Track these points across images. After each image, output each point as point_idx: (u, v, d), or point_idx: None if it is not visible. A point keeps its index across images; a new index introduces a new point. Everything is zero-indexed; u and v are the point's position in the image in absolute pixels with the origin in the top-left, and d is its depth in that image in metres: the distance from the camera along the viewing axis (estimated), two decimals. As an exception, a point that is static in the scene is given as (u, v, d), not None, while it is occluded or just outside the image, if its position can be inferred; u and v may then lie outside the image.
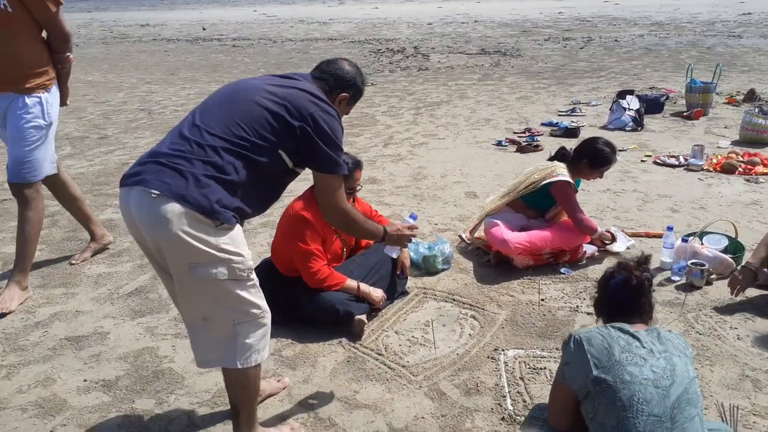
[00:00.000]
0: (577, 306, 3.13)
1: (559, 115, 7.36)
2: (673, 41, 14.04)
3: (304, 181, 2.96)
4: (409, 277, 3.36)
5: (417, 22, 21.73)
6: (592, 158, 3.55)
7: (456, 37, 16.55)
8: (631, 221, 4.18)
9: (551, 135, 6.48)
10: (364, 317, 2.95)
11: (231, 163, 1.90)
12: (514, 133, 6.64)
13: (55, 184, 3.75)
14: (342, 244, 3.12)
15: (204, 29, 21.61)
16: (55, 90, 3.48)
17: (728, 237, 3.60)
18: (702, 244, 3.50)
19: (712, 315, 3.02)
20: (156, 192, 1.83)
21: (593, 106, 7.82)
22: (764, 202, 4.46)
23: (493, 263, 3.59)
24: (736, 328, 2.89)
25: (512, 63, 11.83)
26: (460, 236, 3.91)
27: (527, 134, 6.51)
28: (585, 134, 6.20)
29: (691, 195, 4.66)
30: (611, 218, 4.24)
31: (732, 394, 2.43)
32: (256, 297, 2.02)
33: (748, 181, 4.92)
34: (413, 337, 2.91)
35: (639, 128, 6.60)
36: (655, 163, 5.47)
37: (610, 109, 6.95)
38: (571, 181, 3.52)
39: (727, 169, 5.13)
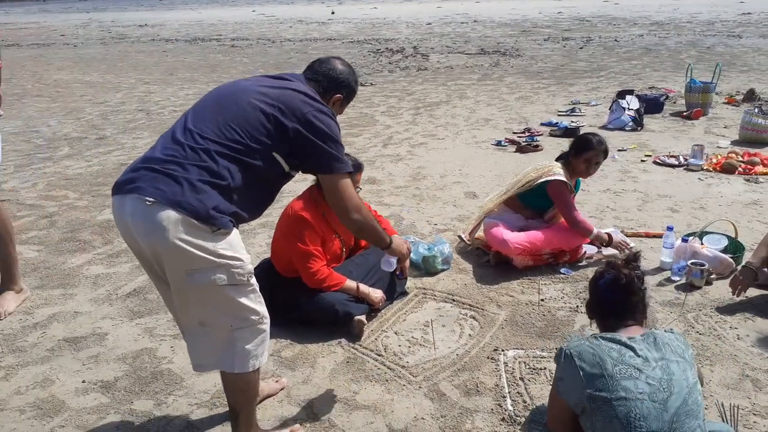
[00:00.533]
0: (577, 306, 3.12)
1: (559, 115, 7.36)
2: (672, 41, 14.04)
3: (303, 181, 2.95)
4: (408, 278, 3.35)
5: (416, 22, 21.73)
6: (575, 146, 3.55)
7: (455, 37, 16.55)
8: (631, 221, 4.18)
9: (551, 135, 6.48)
10: (363, 318, 2.94)
11: (226, 167, 1.87)
12: (514, 133, 6.63)
13: None
14: (341, 244, 3.11)
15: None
16: None
17: (728, 237, 3.59)
18: (702, 244, 3.49)
19: (712, 315, 3.01)
20: (151, 199, 1.80)
21: (593, 105, 7.82)
22: (764, 201, 4.45)
23: (492, 263, 3.58)
24: (736, 328, 2.88)
25: (512, 63, 11.82)
26: (459, 236, 3.90)
27: (527, 134, 6.50)
28: (584, 134, 6.19)
29: (691, 195, 4.66)
30: (611, 218, 4.23)
31: (732, 393, 2.42)
32: (256, 303, 1.99)
33: (747, 180, 4.92)
34: (413, 337, 2.91)
35: (639, 128, 6.60)
36: (655, 163, 5.47)
37: (609, 109, 6.95)
38: (567, 180, 3.50)
39: (727, 168, 5.13)
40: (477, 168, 5.50)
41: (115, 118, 8.34)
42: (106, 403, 2.51)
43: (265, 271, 3.00)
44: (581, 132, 6.37)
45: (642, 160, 5.55)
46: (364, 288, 2.98)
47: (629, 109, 6.68)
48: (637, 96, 7.05)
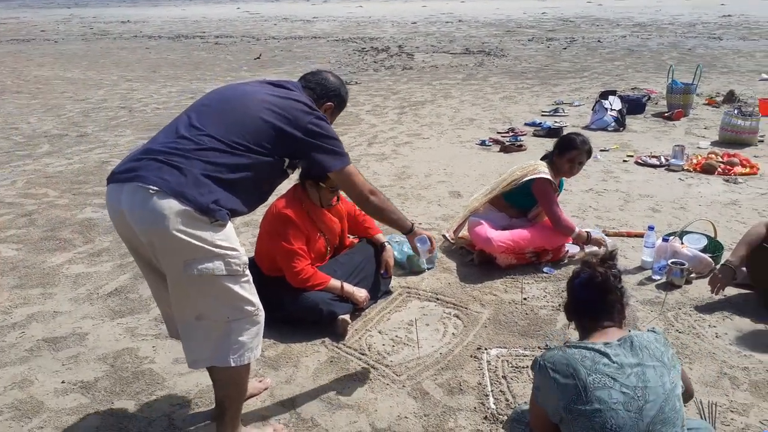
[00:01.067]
0: (559, 305, 3.15)
1: (543, 115, 7.41)
2: (654, 42, 14.20)
3: (288, 180, 2.95)
4: (392, 277, 3.35)
5: (401, 21, 21.75)
6: (559, 145, 3.59)
7: (440, 37, 16.59)
8: (612, 221, 4.22)
9: (534, 135, 6.52)
10: (347, 317, 2.94)
11: (228, 164, 1.94)
12: (498, 132, 6.67)
13: None
14: (326, 243, 3.10)
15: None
16: None
17: (707, 236, 3.64)
18: (682, 243, 3.53)
19: (692, 313, 3.05)
20: (154, 188, 1.83)
21: (576, 106, 7.88)
22: (743, 202, 4.52)
23: (476, 262, 3.60)
24: (714, 327, 2.93)
25: (496, 63, 11.88)
26: (444, 236, 3.91)
27: (511, 134, 6.54)
28: (568, 134, 6.25)
29: (672, 195, 4.71)
30: (593, 218, 4.27)
31: (710, 391, 2.46)
32: (250, 294, 2.03)
33: (727, 181, 4.99)
34: (396, 336, 2.91)
35: (621, 128, 6.66)
36: (637, 163, 5.53)
37: (592, 110, 7.01)
38: (551, 179, 3.53)
39: (707, 169, 5.20)
40: (461, 167, 5.52)
41: (96, 115, 8.24)
42: (86, 404, 2.48)
43: (249, 270, 2.98)
44: (564, 132, 6.42)
45: (624, 161, 5.60)
46: (348, 287, 2.98)
47: (612, 109, 6.75)
48: (620, 97, 7.12)
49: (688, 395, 1.91)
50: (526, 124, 6.97)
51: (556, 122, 6.89)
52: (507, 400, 2.43)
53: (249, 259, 3.13)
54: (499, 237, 3.49)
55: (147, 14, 28.59)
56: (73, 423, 2.37)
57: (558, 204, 3.56)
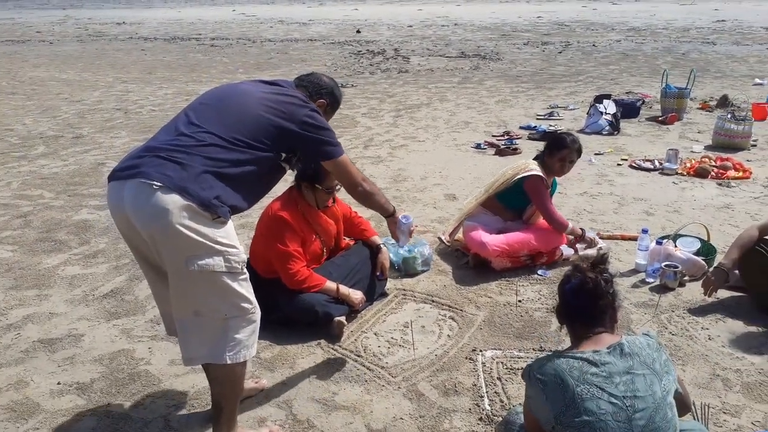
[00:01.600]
0: (554, 307, 3.16)
1: (538, 119, 7.44)
2: (649, 47, 14.28)
3: (283, 182, 2.96)
4: (388, 279, 3.37)
5: (397, 24, 21.80)
6: (549, 145, 3.63)
7: (436, 40, 16.63)
8: (606, 224, 4.25)
9: (529, 138, 6.55)
10: (343, 319, 2.95)
11: (229, 160, 1.98)
12: (493, 136, 6.69)
13: None
14: (321, 244, 3.11)
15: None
16: None
17: (701, 240, 3.67)
18: (675, 246, 3.56)
19: (685, 316, 3.07)
20: (158, 183, 1.86)
21: (571, 110, 7.92)
22: (736, 205, 4.56)
23: (471, 265, 3.62)
24: (707, 329, 2.95)
25: (492, 66, 11.92)
26: (439, 238, 3.93)
27: (506, 137, 6.57)
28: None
29: (666, 198, 4.75)
30: (588, 221, 4.30)
31: (703, 393, 2.48)
32: (248, 292, 2.06)
33: (720, 185, 5.02)
34: (392, 338, 2.92)
35: (615, 132, 6.70)
36: (631, 166, 5.56)
37: (587, 113, 7.04)
38: (543, 176, 3.56)
39: (701, 173, 5.24)
40: (457, 170, 5.54)
41: (92, 116, 8.23)
42: (81, 405, 2.48)
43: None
44: (559, 135, 6.47)
45: (618, 164, 5.64)
46: (344, 289, 2.99)
47: (606, 113, 6.78)
48: (614, 100, 7.16)
49: (683, 408, 1.87)
50: (521, 128, 7.00)
51: (551, 126, 6.92)
52: (502, 401, 2.45)
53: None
54: (493, 241, 3.51)
55: (142, 16, 28.56)
56: (68, 424, 2.38)
57: (550, 201, 3.60)
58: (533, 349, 2.80)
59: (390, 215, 2.59)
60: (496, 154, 6.03)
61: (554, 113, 7.64)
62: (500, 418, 2.32)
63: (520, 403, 2.35)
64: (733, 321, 3.01)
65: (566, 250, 3.71)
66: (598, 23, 20.47)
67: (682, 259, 3.43)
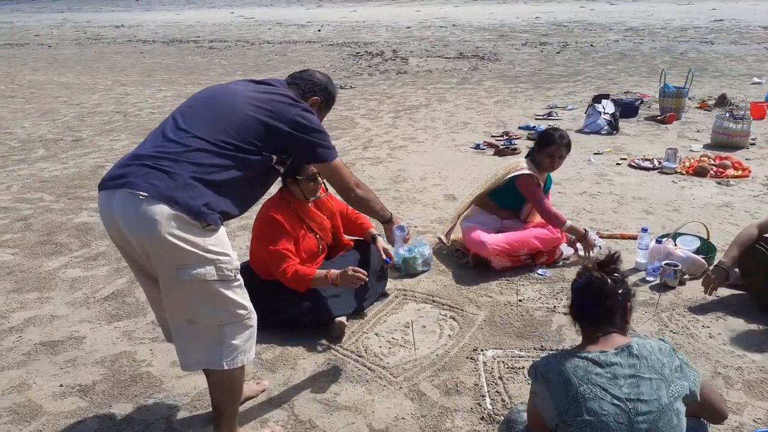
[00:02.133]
0: (554, 306, 3.17)
1: (536, 119, 7.45)
2: (647, 46, 14.30)
3: (277, 184, 2.98)
4: (389, 279, 3.37)
5: (395, 25, 21.81)
6: (538, 141, 3.66)
7: (434, 41, 16.65)
8: (606, 223, 4.25)
9: (528, 138, 6.55)
10: (344, 319, 2.95)
11: (217, 165, 1.93)
12: (492, 136, 6.70)
13: None
14: (318, 241, 3.07)
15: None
16: None
17: (700, 238, 3.68)
18: (675, 245, 3.57)
19: (685, 314, 3.08)
20: (144, 194, 1.83)
21: (569, 110, 7.94)
22: (735, 204, 4.56)
23: (471, 265, 3.62)
24: (708, 327, 2.96)
25: (490, 67, 11.94)
26: (439, 238, 3.94)
27: (505, 138, 6.57)
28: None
29: (665, 197, 4.75)
30: (587, 220, 4.30)
31: (704, 391, 2.48)
32: (243, 298, 2.04)
33: (719, 183, 5.03)
34: (393, 338, 2.93)
35: (614, 132, 6.71)
36: (630, 166, 5.57)
37: (586, 113, 7.06)
38: (534, 173, 3.58)
39: (700, 172, 5.25)
40: (456, 171, 5.55)
41: (91, 119, 8.23)
42: (84, 407, 2.49)
43: (246, 275, 2.98)
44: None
45: (617, 164, 5.65)
46: (334, 272, 2.75)
47: (605, 113, 6.79)
48: (613, 100, 7.17)
49: (717, 416, 1.85)
50: (520, 128, 7.01)
51: (549, 126, 6.91)
52: (503, 400, 2.45)
53: (244, 262, 3.17)
54: (493, 240, 3.52)
55: (141, 19, 28.56)
56: (71, 426, 2.38)
57: (545, 197, 3.62)
58: (534, 348, 2.81)
59: (387, 221, 2.57)
60: (495, 154, 6.04)
61: (553, 113, 7.65)
62: (502, 418, 2.33)
63: (522, 402, 2.36)
64: (734, 319, 3.02)
65: (566, 250, 3.72)
66: (596, 23, 20.49)
67: (682, 257, 3.43)
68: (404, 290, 3.39)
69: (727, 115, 6.13)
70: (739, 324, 2.97)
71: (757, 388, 2.49)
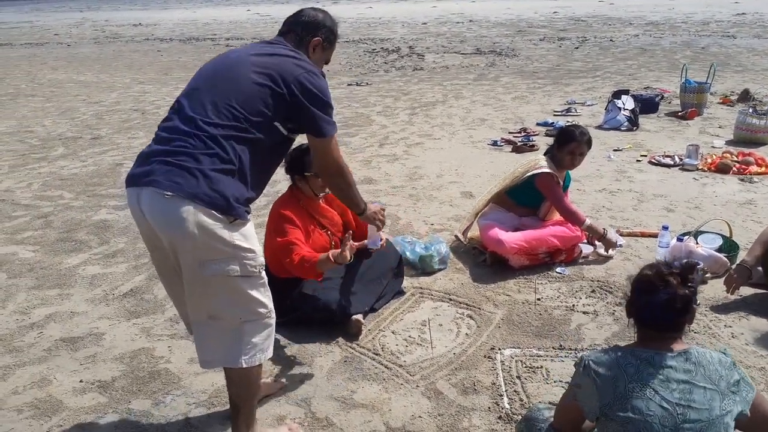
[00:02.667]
0: (573, 305, 3.14)
1: (555, 115, 7.38)
2: (667, 41, 14.10)
3: (287, 181, 2.98)
4: (405, 277, 3.36)
5: (411, 21, 21.75)
6: (558, 139, 3.61)
7: (451, 37, 16.57)
8: (626, 221, 4.20)
9: (547, 135, 6.49)
10: (360, 317, 2.95)
11: (234, 149, 1.91)
12: (510, 133, 6.65)
13: None
14: (329, 237, 3.05)
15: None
16: None
17: (723, 236, 3.61)
18: (697, 243, 3.51)
19: (707, 313, 3.03)
20: (169, 193, 1.84)
21: (588, 105, 7.85)
22: (758, 201, 4.48)
23: (489, 263, 3.60)
24: (730, 326, 2.91)
25: (507, 63, 11.85)
26: (456, 236, 3.91)
27: (523, 134, 6.52)
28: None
29: (686, 194, 4.68)
30: (607, 218, 4.25)
31: (727, 392, 2.44)
32: (264, 296, 2.04)
33: (742, 180, 4.95)
34: (410, 336, 2.91)
35: (634, 128, 6.62)
36: (651, 162, 5.49)
37: (605, 109, 6.97)
38: (553, 172, 3.54)
39: (722, 168, 5.16)
40: (473, 168, 5.51)
41: (110, 117, 8.32)
42: (103, 403, 2.51)
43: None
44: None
45: (638, 160, 5.57)
46: (333, 252, 2.62)
47: (625, 109, 6.71)
48: (633, 96, 7.08)
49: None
50: (538, 124, 6.95)
51: (568, 122, 6.85)
52: (521, 400, 2.43)
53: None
54: (511, 238, 3.49)
55: (158, 17, 28.80)
56: (91, 422, 2.41)
57: (565, 196, 3.58)
58: (553, 348, 2.78)
59: (361, 213, 2.41)
60: (512, 151, 5.99)
61: (572, 109, 7.57)
62: (520, 417, 2.30)
63: (540, 401, 2.34)
64: (757, 318, 2.96)
65: (585, 248, 3.68)
66: (615, 18, 20.25)
67: (704, 256, 3.38)
68: (421, 288, 3.38)
69: (750, 110, 6.03)
70: (762, 324, 2.91)
71: (781, 390, 2.44)
